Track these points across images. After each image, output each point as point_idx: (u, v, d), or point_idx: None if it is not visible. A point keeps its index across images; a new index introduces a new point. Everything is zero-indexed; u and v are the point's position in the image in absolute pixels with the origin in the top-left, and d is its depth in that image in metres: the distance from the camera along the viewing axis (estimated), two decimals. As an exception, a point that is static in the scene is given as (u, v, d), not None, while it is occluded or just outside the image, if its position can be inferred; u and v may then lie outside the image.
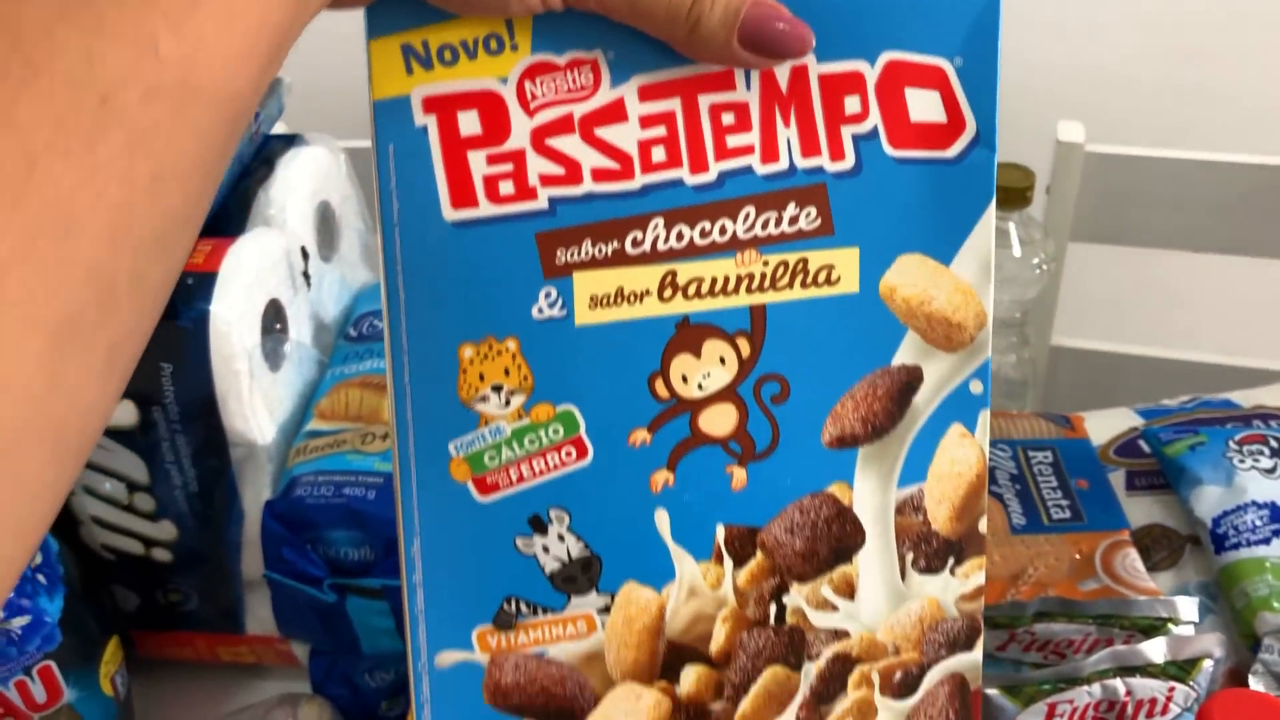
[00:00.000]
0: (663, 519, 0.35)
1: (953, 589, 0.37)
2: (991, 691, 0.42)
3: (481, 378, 0.33)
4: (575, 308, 0.33)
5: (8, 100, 0.22)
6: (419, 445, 0.34)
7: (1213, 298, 0.80)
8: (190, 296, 0.45)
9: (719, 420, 0.35)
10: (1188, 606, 0.44)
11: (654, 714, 0.36)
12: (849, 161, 0.34)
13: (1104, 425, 0.56)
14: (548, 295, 0.33)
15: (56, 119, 0.23)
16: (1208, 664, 0.41)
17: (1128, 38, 0.79)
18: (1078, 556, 0.49)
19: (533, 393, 0.34)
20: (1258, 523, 0.48)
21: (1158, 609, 0.44)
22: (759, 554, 0.36)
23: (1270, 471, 0.50)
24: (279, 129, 0.59)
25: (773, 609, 0.36)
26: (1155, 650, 0.40)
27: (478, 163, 0.32)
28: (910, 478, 0.36)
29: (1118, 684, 0.40)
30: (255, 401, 0.47)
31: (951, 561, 0.37)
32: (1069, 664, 0.43)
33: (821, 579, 0.36)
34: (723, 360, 0.35)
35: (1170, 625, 0.43)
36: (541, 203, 0.32)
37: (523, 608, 0.35)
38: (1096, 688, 0.40)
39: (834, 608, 0.36)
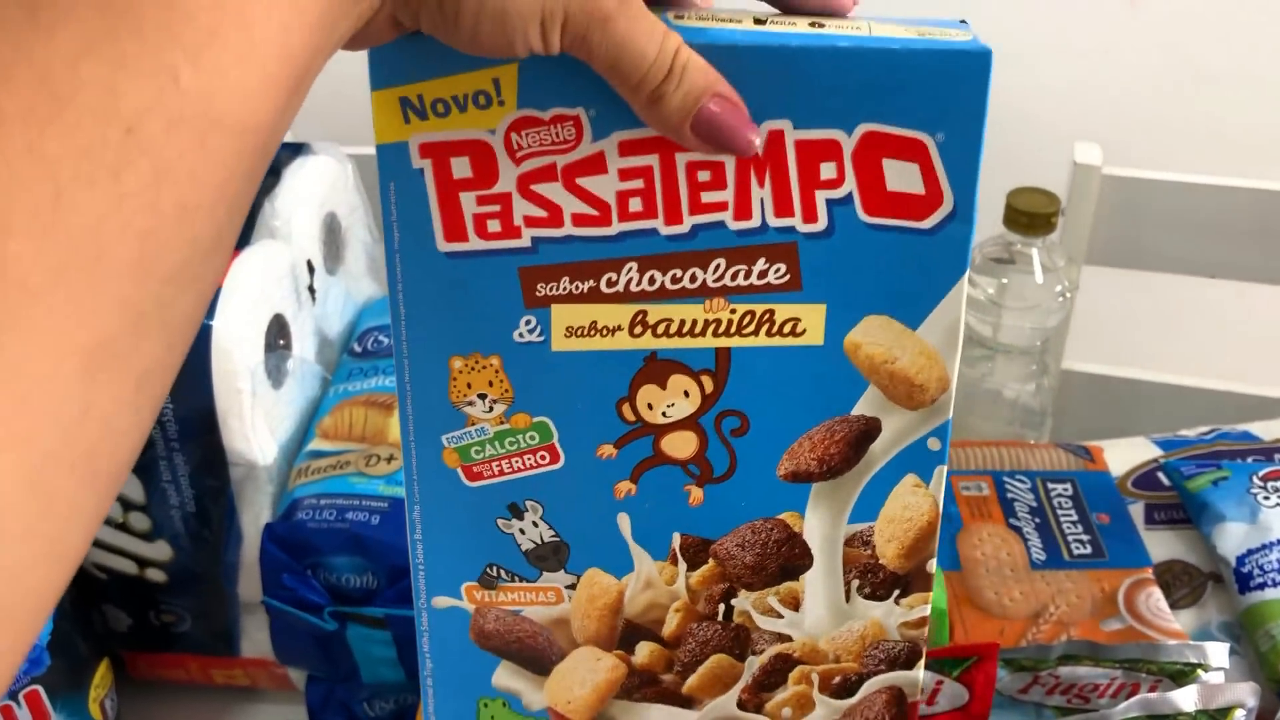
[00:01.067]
0: (624, 522, 0.39)
1: (896, 615, 0.40)
2: None
3: (469, 386, 0.38)
4: (552, 335, 0.37)
5: (35, 133, 0.23)
6: (418, 434, 0.39)
7: (1228, 324, 0.77)
8: None
9: (680, 444, 0.38)
10: (1218, 652, 0.43)
11: (611, 675, 0.41)
12: (821, 224, 0.34)
13: (1122, 456, 0.55)
14: (528, 322, 0.37)
15: (82, 150, 0.23)
16: (1240, 714, 0.40)
17: (1146, 59, 0.74)
18: (1100, 595, 0.48)
19: (513, 403, 0.38)
20: None
21: (1187, 654, 0.43)
22: (711, 562, 0.40)
23: None
24: (286, 137, 0.53)
25: (721, 608, 0.40)
26: (1186, 699, 0.40)
27: (469, 202, 0.35)
28: (862, 515, 0.38)
29: None
30: (256, 420, 0.44)
31: (897, 593, 0.39)
32: (1096, 711, 0.43)
33: (769, 591, 0.40)
34: (686, 394, 0.37)
35: (1200, 671, 0.43)
36: (525, 241, 0.35)
37: (503, 574, 0.41)
38: None
39: (779, 615, 0.40)
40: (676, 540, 0.39)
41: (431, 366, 0.38)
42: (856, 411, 0.37)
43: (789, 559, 0.39)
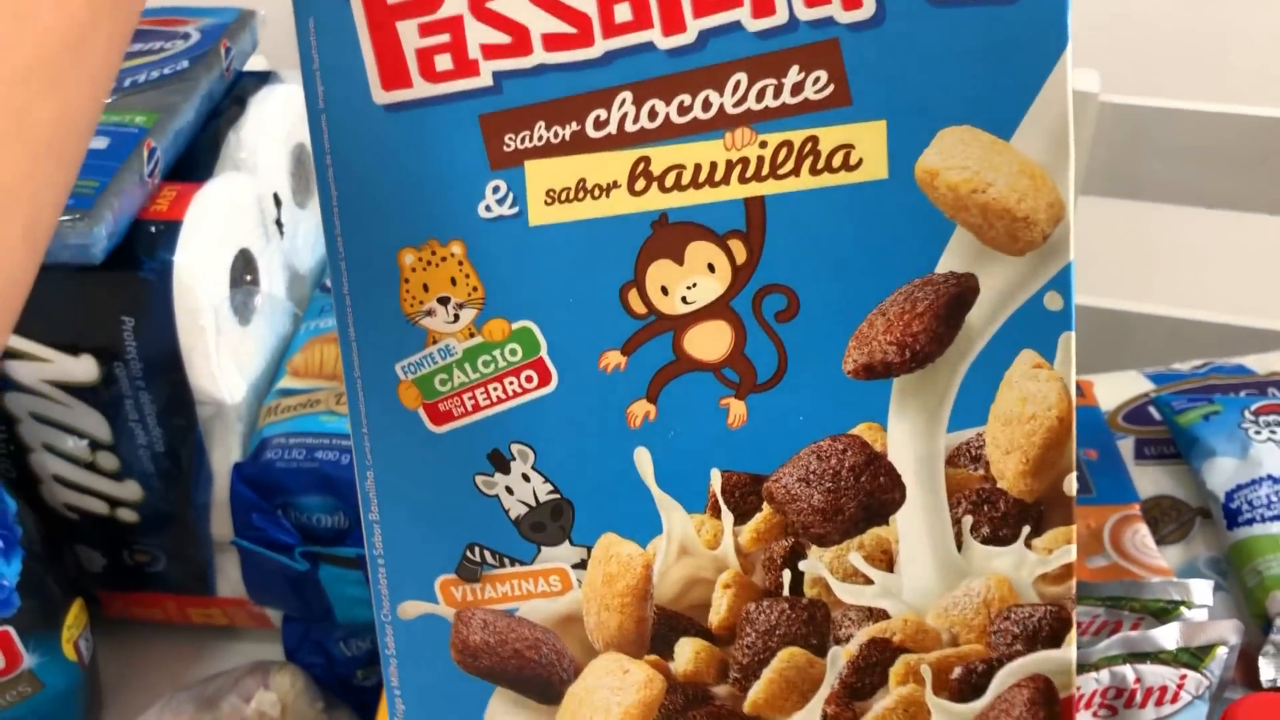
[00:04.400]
0: (644, 459, 0.29)
1: (1029, 565, 0.29)
2: None
3: (426, 289, 0.29)
4: (529, 204, 0.28)
5: None
6: (365, 366, 0.30)
7: (1226, 256, 0.74)
8: (153, 246, 0.41)
9: (709, 341, 0.29)
10: (1202, 589, 0.40)
11: (644, 694, 0.30)
12: (868, 9, 0.26)
13: (1113, 390, 0.53)
14: (496, 190, 0.28)
15: None
16: (1222, 651, 0.38)
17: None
18: (1085, 531, 0.46)
19: (484, 306, 0.29)
20: (1273, 498, 0.45)
21: (1170, 591, 0.41)
22: (766, 508, 0.29)
23: None
24: (252, 65, 0.54)
25: (786, 577, 0.29)
26: (1167, 636, 0.38)
27: (409, 34, 0.27)
28: (965, 420, 0.28)
29: (1127, 670, 0.38)
30: (223, 358, 0.44)
31: (1027, 531, 0.29)
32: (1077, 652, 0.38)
33: (849, 544, 0.29)
34: (712, 268, 0.28)
35: (1183, 608, 0.40)
36: (485, 79, 0.27)
37: (488, 557, 0.30)
38: (1105, 674, 0.38)
39: (867, 580, 0.29)
40: (716, 480, 0.29)
41: (376, 266, 0.29)
42: (942, 268, 0.27)
43: (873, 492, 0.29)
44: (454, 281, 0.29)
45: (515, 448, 0.30)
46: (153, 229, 0.42)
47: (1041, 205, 0.27)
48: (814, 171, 0.27)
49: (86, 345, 0.42)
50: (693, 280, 0.28)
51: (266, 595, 0.46)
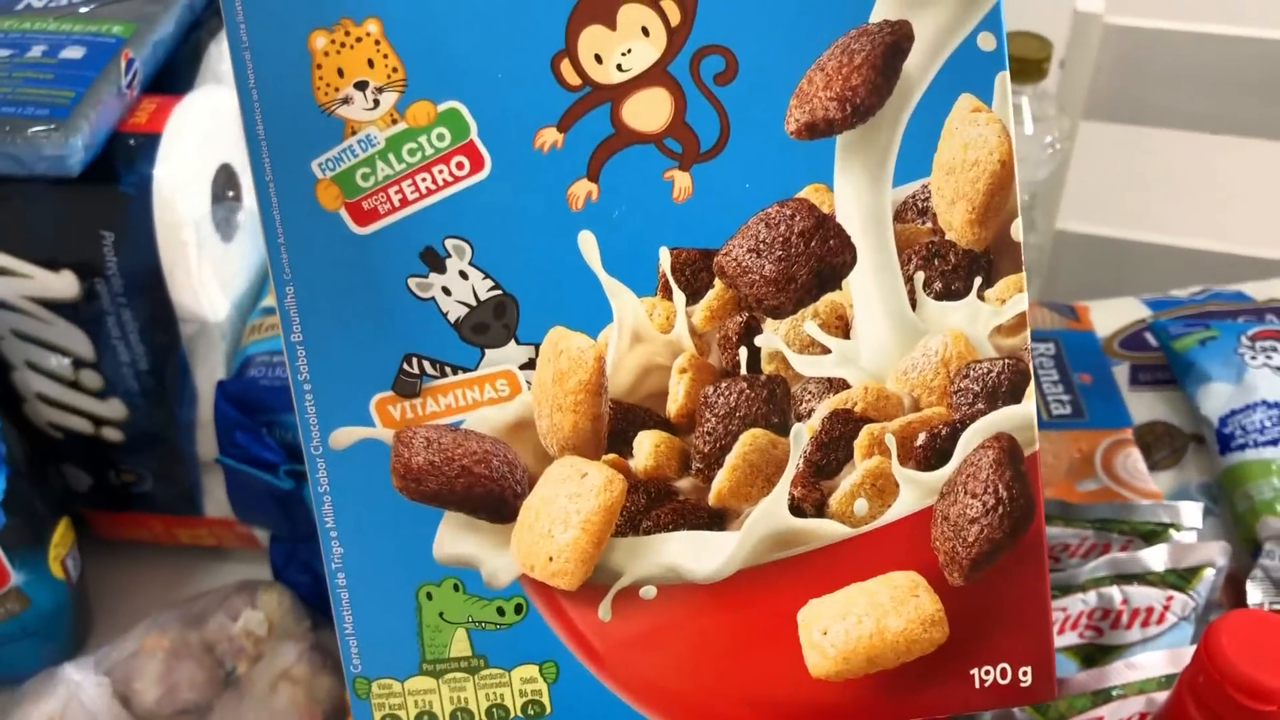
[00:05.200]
0: (589, 243, 0.28)
1: (984, 319, 0.29)
2: None
3: (340, 73, 0.27)
4: (448, -28, 0.26)
5: None
6: (276, 166, 0.27)
7: (1230, 184, 0.74)
8: (132, 159, 0.41)
9: (648, 111, 0.27)
10: (1191, 512, 0.41)
11: (604, 497, 0.29)
12: None
13: (1110, 316, 0.53)
14: (411, -41, 0.26)
15: None
16: (1209, 573, 0.38)
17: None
18: (1077, 455, 0.46)
19: (405, 88, 0.27)
20: (1266, 423, 0.45)
21: (1159, 514, 0.41)
22: (717, 284, 0.28)
23: None
24: None
25: (743, 355, 0.28)
26: (1155, 558, 0.38)
27: None
28: (910, 173, 0.28)
29: (1114, 591, 0.38)
30: (205, 274, 0.43)
31: (979, 282, 0.28)
32: (1064, 570, 0.40)
33: (803, 313, 0.28)
34: (645, 31, 0.27)
35: (1172, 531, 0.41)
36: None
37: (428, 368, 0.28)
38: (1092, 595, 0.38)
39: (824, 349, 0.28)
40: (665, 258, 0.28)
41: (284, 50, 0.27)
42: (875, 17, 0.27)
43: (823, 256, 0.28)
44: (371, 64, 0.27)
45: (450, 243, 0.28)
46: (131, 142, 0.41)
47: (968, -58, 0.27)
48: (742, -78, 0.27)
49: (66, 260, 0.41)
50: (627, 46, 0.27)
51: (252, 514, 0.46)
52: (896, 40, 0.27)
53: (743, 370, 0.28)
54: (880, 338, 0.28)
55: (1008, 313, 0.28)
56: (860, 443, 0.29)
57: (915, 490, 0.29)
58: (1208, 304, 0.53)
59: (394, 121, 0.27)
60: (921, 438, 0.29)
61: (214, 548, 0.51)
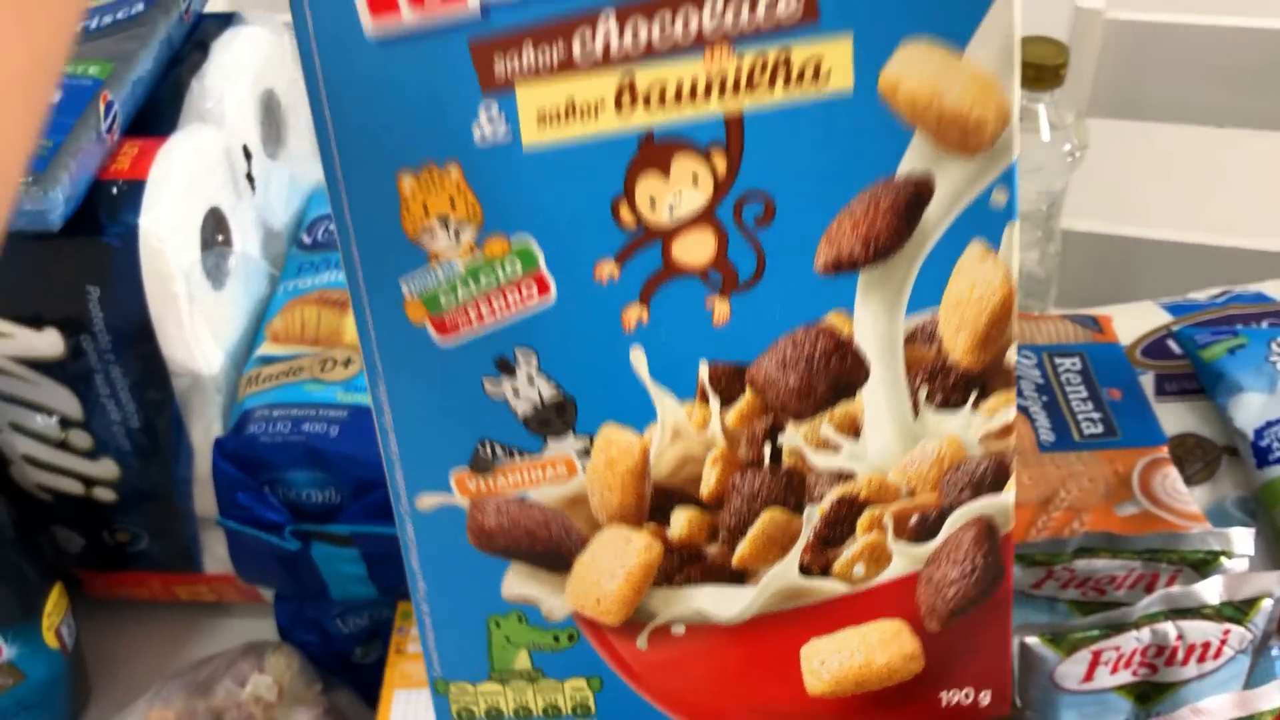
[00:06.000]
0: (639, 358, 0.32)
1: (975, 426, 0.33)
2: (1032, 640, 0.37)
3: (426, 210, 0.31)
4: (521, 126, 0.30)
5: None
6: (370, 284, 0.31)
7: (1237, 176, 0.72)
8: (116, 208, 0.38)
9: (695, 248, 0.31)
10: (1242, 539, 0.39)
11: (645, 556, 0.34)
12: (834, -71, 0.28)
13: (1129, 323, 0.51)
14: (489, 112, 0.29)
15: None
16: (1267, 603, 0.36)
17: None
18: (1113, 477, 0.44)
19: (483, 225, 0.31)
20: None
21: (1210, 542, 0.39)
22: (748, 392, 0.33)
23: None
24: (213, 7, 0.50)
25: (767, 450, 0.33)
26: (1210, 591, 0.36)
27: (395, -36, 0.28)
28: (921, 303, 0.32)
29: (1169, 628, 0.36)
30: (197, 326, 0.41)
31: (974, 396, 0.33)
32: (1116, 610, 0.38)
33: (820, 417, 0.33)
34: (695, 179, 0.30)
35: (1223, 559, 0.39)
36: (471, 6, 0.28)
37: (499, 451, 0.33)
38: (1146, 632, 0.36)
39: (836, 448, 0.33)
40: (704, 370, 0.32)
41: (376, 193, 0.30)
42: (902, 171, 0.30)
43: (841, 372, 0.32)
44: (453, 202, 0.30)
45: (520, 353, 0.32)
46: (114, 190, 0.39)
47: (991, 110, 0.30)
48: (787, 85, 0.29)
49: (50, 318, 0.40)
50: (678, 191, 0.30)
51: (256, 575, 0.44)
52: (919, 192, 0.31)
53: (766, 462, 0.33)
54: (885, 440, 0.33)
55: (997, 422, 0.33)
56: (862, 521, 0.34)
57: (906, 559, 0.34)
58: (1228, 307, 0.51)
59: (472, 252, 0.31)
60: (915, 518, 0.34)
61: (214, 603, 0.48)
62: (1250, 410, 0.44)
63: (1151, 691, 0.37)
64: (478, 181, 0.30)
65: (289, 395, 0.43)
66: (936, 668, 0.35)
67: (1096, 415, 0.47)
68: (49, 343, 0.40)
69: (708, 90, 0.29)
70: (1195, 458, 0.46)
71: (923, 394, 0.33)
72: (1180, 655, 0.36)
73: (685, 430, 0.33)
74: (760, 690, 0.36)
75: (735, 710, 0.36)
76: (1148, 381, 0.48)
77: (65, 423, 0.43)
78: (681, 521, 0.34)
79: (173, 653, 0.46)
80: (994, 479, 0.34)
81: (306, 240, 0.50)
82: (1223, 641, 0.36)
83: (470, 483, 0.34)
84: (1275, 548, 0.43)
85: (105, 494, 0.45)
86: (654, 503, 0.34)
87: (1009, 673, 0.36)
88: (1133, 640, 0.36)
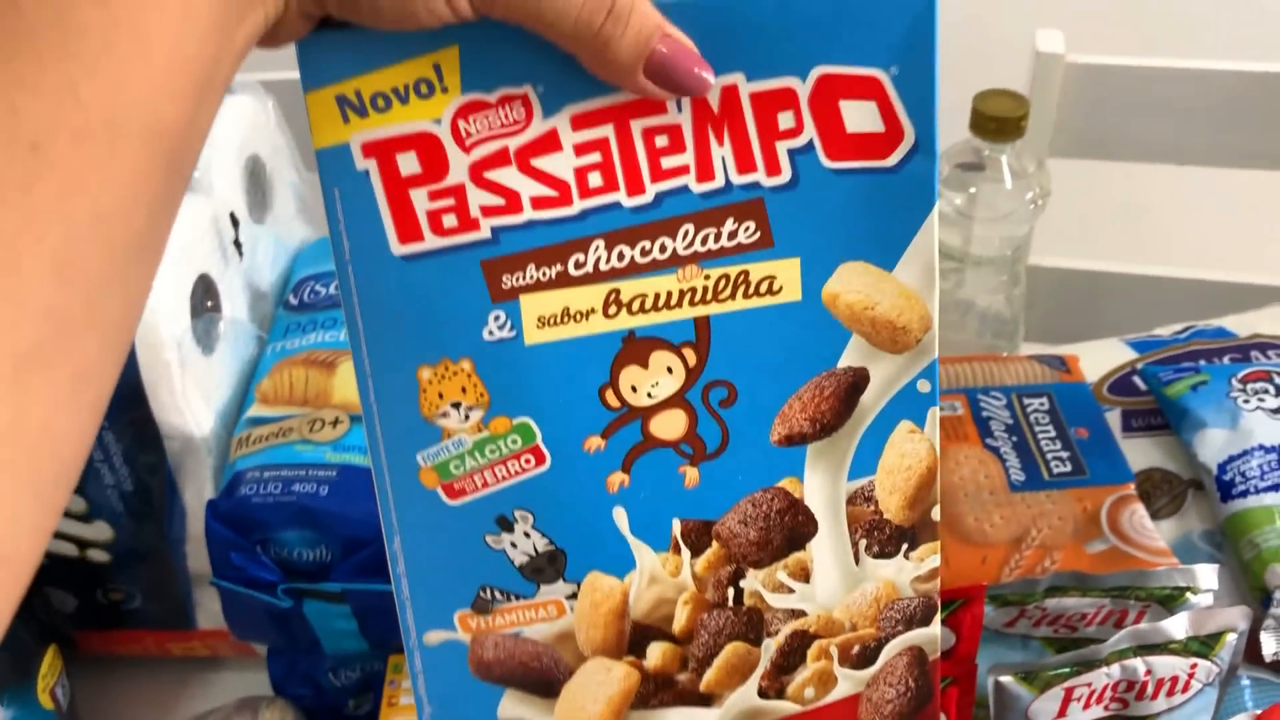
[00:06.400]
0: (621, 516, 0.38)
1: (907, 571, 0.39)
2: (1006, 679, 0.40)
3: (441, 396, 0.36)
4: (524, 328, 0.35)
5: None
6: (390, 457, 0.37)
7: (1198, 213, 0.75)
8: None
9: (669, 425, 0.37)
10: (1207, 575, 0.41)
11: (624, 684, 0.39)
12: (785, 175, 0.34)
13: (1095, 360, 0.53)
14: (497, 318, 0.35)
15: None
16: (1231, 638, 0.39)
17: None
18: (1082, 514, 0.46)
19: (490, 408, 0.36)
20: (1266, 468, 0.45)
21: (1175, 578, 0.41)
22: (715, 544, 0.38)
23: (1276, 413, 0.48)
24: None
25: (731, 592, 0.39)
26: (1177, 626, 0.38)
27: (420, 199, 0.33)
28: (861, 471, 0.38)
29: (1138, 664, 0.38)
30: (188, 390, 0.42)
31: (905, 546, 0.39)
32: (1087, 647, 0.41)
33: (776, 565, 0.38)
34: (670, 370, 0.36)
35: (1189, 594, 0.41)
36: (484, 232, 0.34)
37: (497, 595, 0.38)
38: (1115, 668, 0.38)
39: (790, 590, 0.39)
40: (677, 527, 0.38)
41: (398, 381, 0.36)
42: (843, 364, 0.36)
43: (793, 527, 0.38)
44: (464, 390, 0.36)
45: (518, 513, 0.37)
46: None
47: (915, 318, 0.36)
48: (746, 296, 0.35)
49: None
50: (656, 380, 0.36)
51: (250, 632, 0.45)
52: (856, 381, 0.36)
53: (730, 603, 0.39)
54: (832, 583, 0.39)
55: (925, 567, 0.39)
56: (812, 652, 0.39)
57: (850, 683, 0.40)
58: (1192, 343, 0.52)
59: (479, 430, 0.36)
60: (856, 648, 0.39)
61: (208, 658, 0.49)
62: (1213, 445, 0.46)
63: (1123, 727, 0.39)
64: (486, 372, 0.35)
65: (279, 456, 0.44)
66: (876, 773, 0.41)
67: (1065, 454, 0.49)
68: None
69: (680, 299, 0.35)
70: (1162, 492, 0.47)
71: (863, 545, 0.38)
72: (1150, 690, 0.37)
73: (660, 576, 0.38)
74: (724, 796, 0.41)
75: (702, 813, 0.41)
76: (1115, 417, 0.50)
77: None
78: (656, 654, 0.39)
79: (167, 709, 0.47)
80: (923, 614, 0.39)
81: (293, 301, 0.51)
82: (1190, 675, 0.37)
83: (472, 621, 0.39)
84: (1240, 581, 0.44)
85: (99, 555, 0.46)
86: (632, 638, 0.39)
87: (938, 775, 0.42)
88: (1103, 676, 0.37)
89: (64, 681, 0.45)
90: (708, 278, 0.35)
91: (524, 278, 0.35)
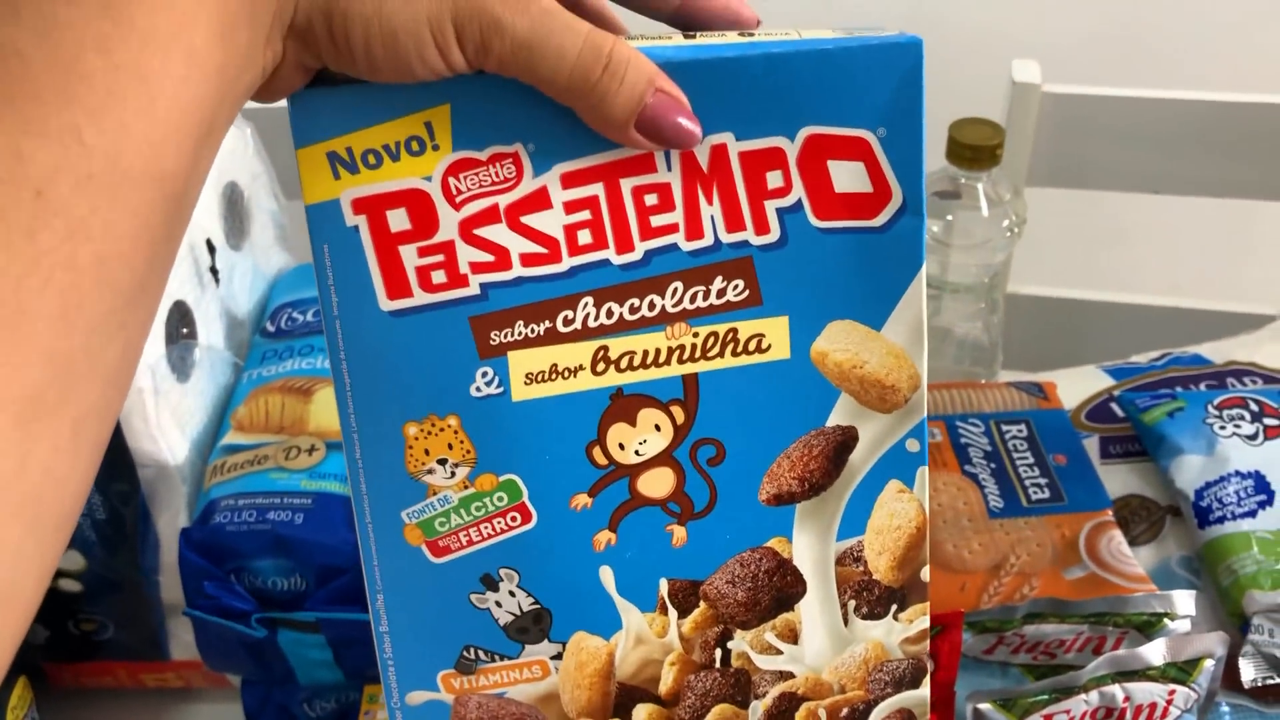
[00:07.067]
0: (607, 575, 0.37)
1: (897, 633, 0.38)
2: (984, 707, 0.41)
3: (427, 453, 0.35)
4: (511, 384, 0.35)
5: None
6: (374, 514, 0.36)
7: (1173, 239, 0.76)
8: None
9: (657, 483, 0.36)
10: (1184, 601, 0.42)
11: (609, 747, 0.38)
12: (774, 234, 0.34)
13: (1073, 388, 0.54)
14: (484, 374, 0.35)
15: None
16: (1209, 664, 0.39)
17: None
18: (1060, 541, 0.47)
19: (476, 464, 0.36)
20: (1242, 494, 0.45)
21: (1153, 604, 0.42)
22: (702, 605, 0.38)
23: (1252, 439, 0.48)
24: None
25: (718, 654, 0.38)
26: (1154, 653, 0.39)
27: (409, 255, 0.33)
28: (849, 531, 0.37)
29: (1116, 690, 0.38)
30: (162, 418, 0.42)
31: (894, 608, 0.38)
32: (1065, 674, 0.41)
33: (765, 626, 0.38)
34: (658, 427, 0.36)
35: (1166, 620, 0.42)
36: (473, 289, 0.34)
37: (481, 655, 0.38)
38: (1094, 695, 0.38)
39: (778, 651, 0.38)
40: (664, 586, 0.37)
41: (384, 437, 0.35)
42: (831, 422, 0.36)
43: (782, 588, 0.38)
44: (451, 446, 0.35)
45: (503, 571, 0.37)
46: None
47: (904, 377, 0.36)
48: (734, 354, 0.35)
49: None
50: (643, 438, 0.36)
51: (224, 662, 0.45)
52: (845, 440, 0.36)
53: (717, 664, 0.38)
54: (820, 645, 0.38)
55: (914, 629, 0.38)
56: (800, 714, 0.39)
57: (838, 746, 0.39)
58: (1168, 370, 0.53)
59: (465, 487, 0.36)
60: (845, 711, 0.39)
61: (182, 689, 0.48)
62: (1190, 472, 0.46)
63: (1102, 753, 0.39)
64: (473, 429, 0.35)
65: (254, 484, 0.44)
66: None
67: (1043, 481, 0.49)
68: None
69: (669, 357, 0.35)
70: (1141, 518, 0.48)
71: (851, 606, 0.38)
72: (1129, 716, 0.37)
73: (647, 637, 0.38)
74: None
75: None
76: (1093, 444, 0.50)
77: None
78: (642, 716, 0.38)
79: (141, 740, 0.47)
80: (912, 677, 0.39)
81: (270, 328, 0.51)
82: (1169, 702, 0.37)
83: (455, 681, 0.38)
84: (1218, 607, 0.44)
85: (70, 585, 0.46)
86: (618, 700, 0.38)
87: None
88: (1082, 703, 0.37)
89: (33, 714, 0.45)
90: (696, 335, 0.35)
91: (512, 334, 0.34)
